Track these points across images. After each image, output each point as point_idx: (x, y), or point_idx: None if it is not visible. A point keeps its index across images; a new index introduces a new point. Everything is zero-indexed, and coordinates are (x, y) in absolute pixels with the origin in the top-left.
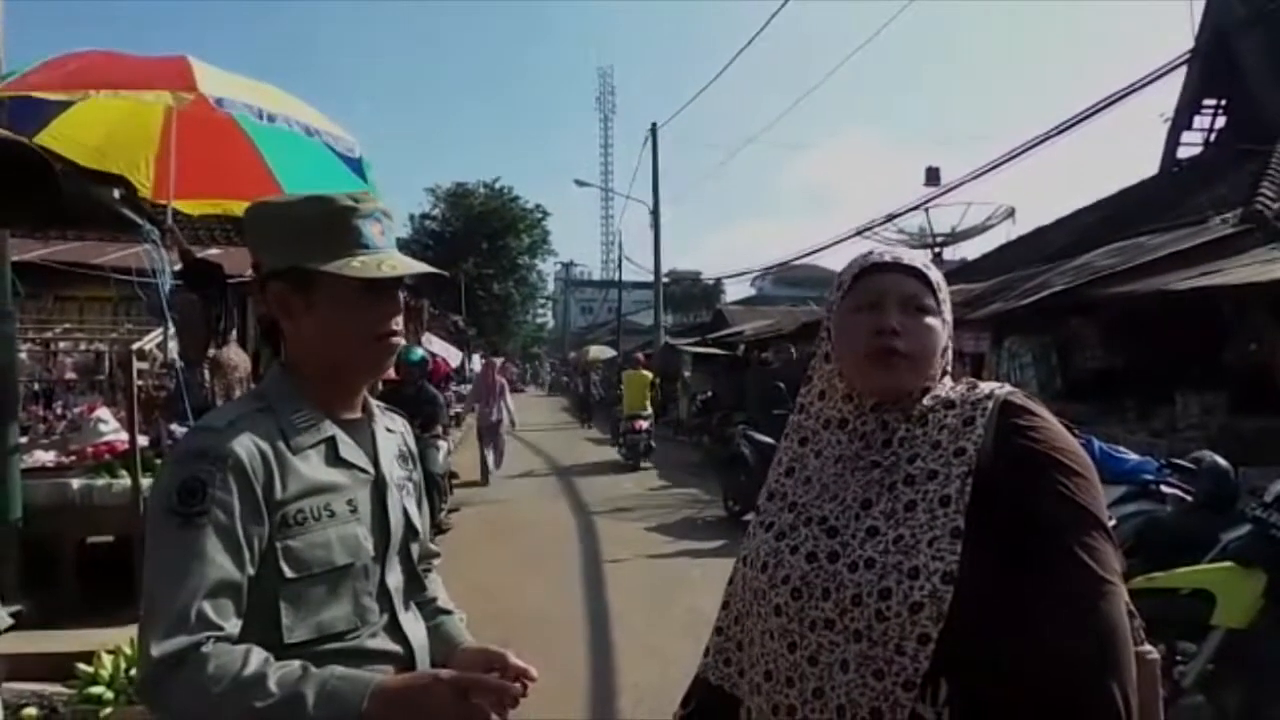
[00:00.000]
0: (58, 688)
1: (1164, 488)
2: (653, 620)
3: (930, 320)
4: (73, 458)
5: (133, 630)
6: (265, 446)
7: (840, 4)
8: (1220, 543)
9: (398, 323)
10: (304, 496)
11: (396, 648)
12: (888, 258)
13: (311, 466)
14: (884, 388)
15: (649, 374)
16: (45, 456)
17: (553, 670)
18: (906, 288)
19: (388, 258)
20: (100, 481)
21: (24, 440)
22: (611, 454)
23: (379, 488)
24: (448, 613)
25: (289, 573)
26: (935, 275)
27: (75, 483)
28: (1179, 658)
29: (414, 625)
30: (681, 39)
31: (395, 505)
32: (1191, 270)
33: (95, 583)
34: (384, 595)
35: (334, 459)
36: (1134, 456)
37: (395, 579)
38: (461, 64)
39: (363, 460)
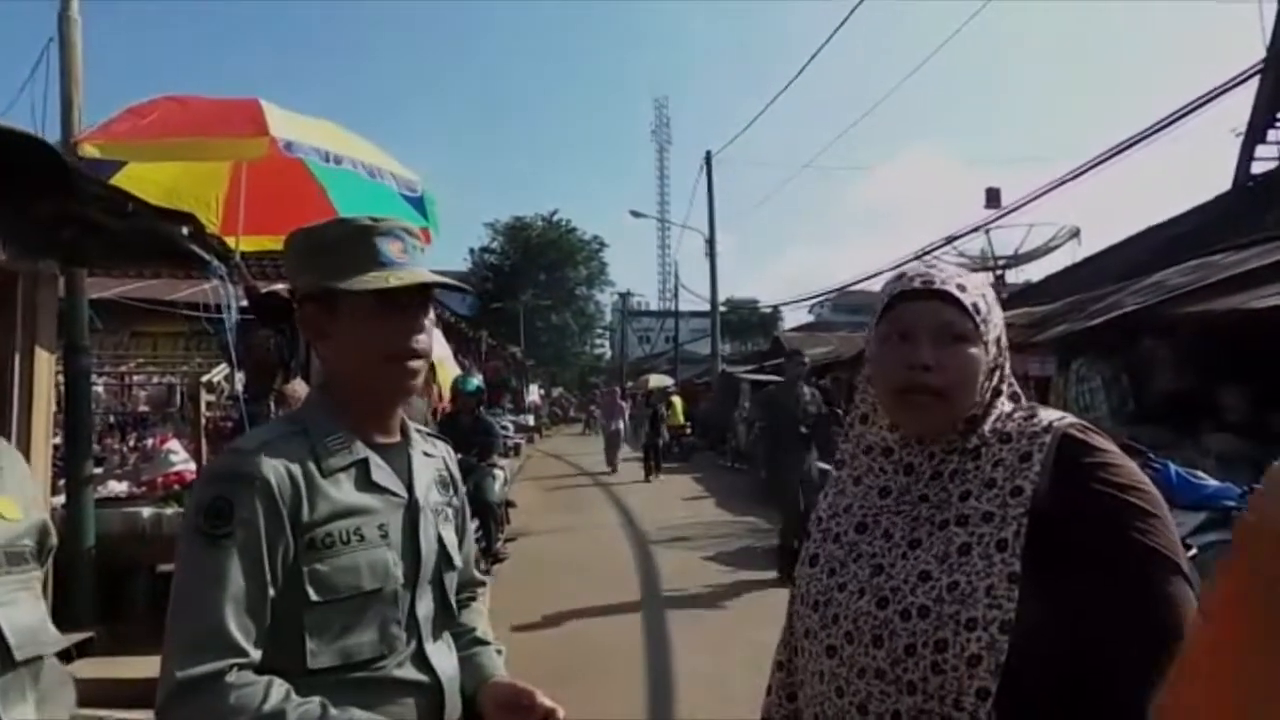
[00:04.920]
0: (128, 713)
1: None
2: (712, 652)
3: (969, 349)
4: (144, 488)
5: None
6: (295, 469)
7: (895, 25)
8: None
9: (420, 341)
10: (332, 520)
11: (424, 678)
12: (918, 282)
13: (341, 489)
14: (916, 425)
15: (680, 400)
16: (118, 487)
17: (611, 701)
18: (940, 316)
19: (412, 272)
20: (170, 511)
21: (99, 471)
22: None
23: (412, 513)
24: (485, 644)
25: (314, 596)
26: (972, 297)
27: (146, 512)
28: None
29: (442, 656)
30: (736, 66)
31: (428, 531)
32: (1270, 288)
33: (165, 611)
34: (412, 623)
35: (365, 482)
36: (1214, 482)
37: (425, 607)
38: (521, 100)
39: (396, 484)
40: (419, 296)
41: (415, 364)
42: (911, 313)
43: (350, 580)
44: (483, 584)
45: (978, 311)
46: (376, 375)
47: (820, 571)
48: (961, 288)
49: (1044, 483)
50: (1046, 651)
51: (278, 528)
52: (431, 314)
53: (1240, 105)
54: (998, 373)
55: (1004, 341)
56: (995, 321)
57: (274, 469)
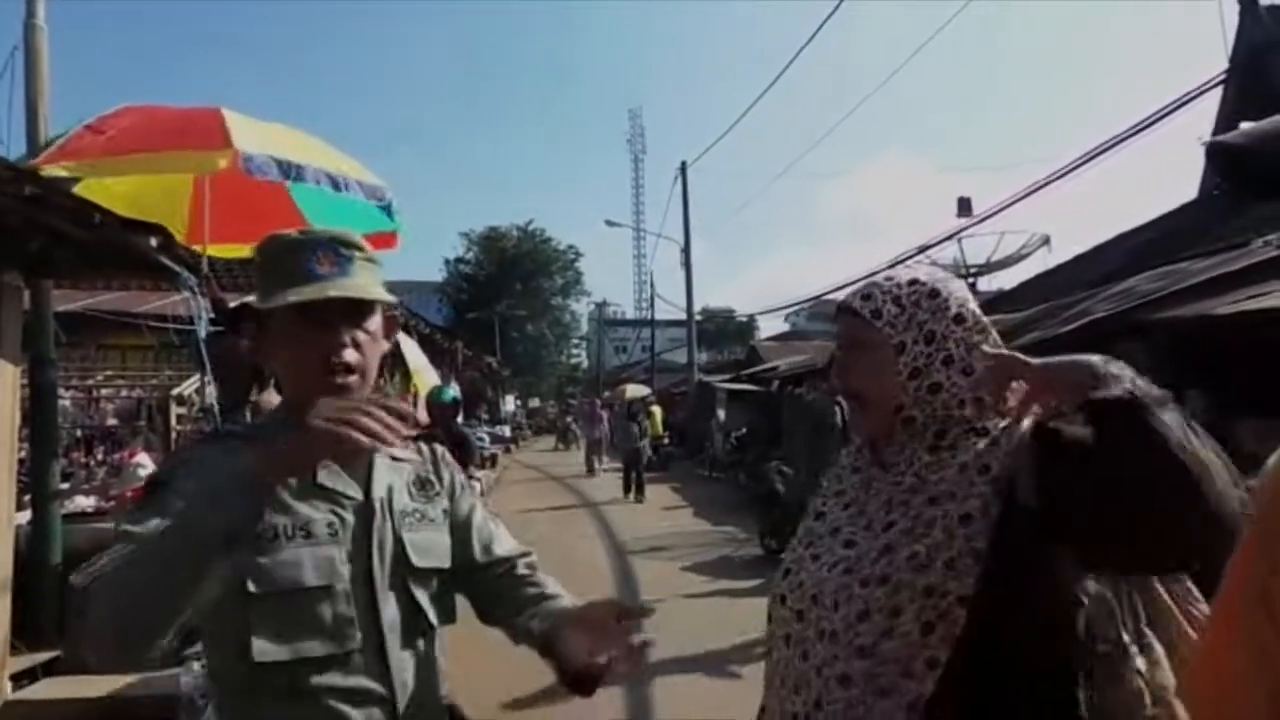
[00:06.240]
0: None
1: None
2: (691, 660)
3: (870, 354)
4: (112, 503)
5: (173, 674)
6: (233, 459)
7: (872, 33)
8: None
9: (345, 354)
10: (273, 514)
11: (377, 686)
12: (838, 303)
13: (285, 488)
14: (856, 428)
15: (659, 409)
16: (85, 502)
17: (591, 713)
18: (844, 329)
19: (323, 286)
20: None
21: (65, 486)
22: None
23: (366, 514)
24: (558, 596)
25: (253, 588)
26: (874, 304)
27: (114, 527)
28: None
29: (403, 666)
30: (711, 74)
31: (384, 534)
32: (1236, 294)
33: None
34: (372, 627)
35: (310, 484)
36: None
37: (390, 613)
38: (495, 108)
39: (348, 486)
40: (345, 309)
41: (340, 379)
42: (838, 329)
43: (291, 574)
44: (527, 553)
45: (878, 316)
46: (309, 386)
47: (799, 543)
48: (867, 296)
49: (1016, 464)
50: (1012, 631)
51: None
52: (372, 323)
53: (1206, 113)
54: (934, 369)
55: (944, 334)
56: (919, 320)
57: (210, 453)
